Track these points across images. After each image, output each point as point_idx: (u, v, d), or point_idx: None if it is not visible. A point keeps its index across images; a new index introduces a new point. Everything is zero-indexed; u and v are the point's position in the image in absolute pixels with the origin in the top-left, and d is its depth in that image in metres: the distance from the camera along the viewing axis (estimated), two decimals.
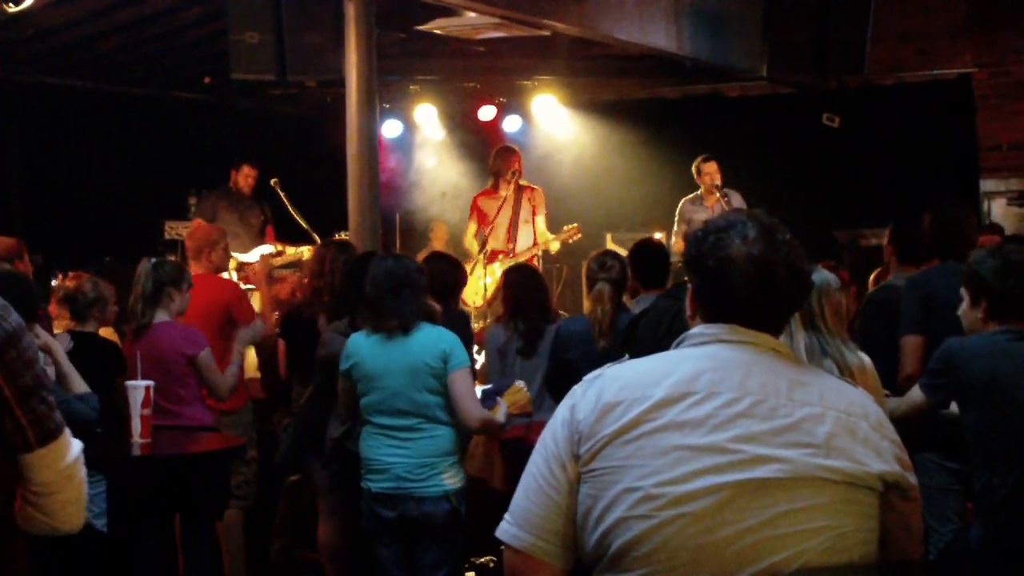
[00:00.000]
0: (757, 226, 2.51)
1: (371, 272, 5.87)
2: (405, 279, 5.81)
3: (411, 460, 5.71)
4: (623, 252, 7.41)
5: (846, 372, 4.16)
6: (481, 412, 5.77)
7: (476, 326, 9.24)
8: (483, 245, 10.93)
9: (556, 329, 7.18)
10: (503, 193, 11.04)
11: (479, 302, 10.59)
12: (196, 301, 7.07)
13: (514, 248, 11.01)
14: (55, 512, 2.77)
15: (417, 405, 5.71)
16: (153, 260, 6.62)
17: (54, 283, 7.64)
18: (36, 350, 2.75)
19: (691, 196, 11.50)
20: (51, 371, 5.75)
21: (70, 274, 7.02)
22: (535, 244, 11.06)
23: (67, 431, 2.78)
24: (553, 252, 11.15)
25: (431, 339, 5.73)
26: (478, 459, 7.09)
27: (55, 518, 2.78)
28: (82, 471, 2.83)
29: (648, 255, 7.17)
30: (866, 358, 4.49)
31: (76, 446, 2.81)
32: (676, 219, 11.51)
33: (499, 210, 10.96)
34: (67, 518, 2.80)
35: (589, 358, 6.62)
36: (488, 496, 6.51)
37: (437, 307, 6.06)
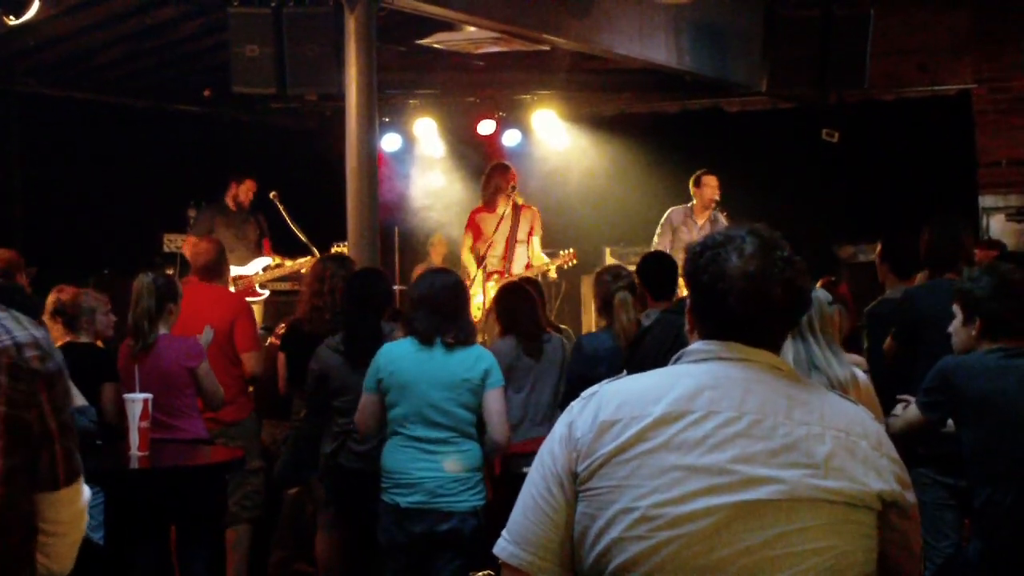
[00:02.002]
0: (755, 241, 2.48)
1: (426, 284, 5.89)
2: (461, 295, 5.90)
3: (444, 474, 5.67)
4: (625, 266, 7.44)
5: (836, 386, 4.13)
6: (507, 437, 5.80)
7: None
8: (480, 261, 10.90)
9: (577, 346, 7.17)
10: (500, 211, 11.00)
11: (476, 317, 10.60)
12: (205, 314, 7.09)
13: (510, 268, 10.97)
14: (58, 555, 2.71)
15: (453, 419, 5.69)
16: (151, 275, 6.60)
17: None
18: (71, 387, 2.72)
19: (681, 207, 11.37)
20: None
21: (55, 288, 6.94)
22: (528, 266, 11.00)
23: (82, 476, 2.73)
24: (552, 278, 11.05)
25: (473, 356, 5.75)
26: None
27: (56, 560, 2.72)
28: (87, 517, 2.79)
29: (658, 267, 7.17)
30: (859, 373, 4.47)
31: (87, 491, 2.76)
32: (660, 224, 11.36)
33: (496, 228, 10.93)
34: (64, 561, 2.74)
35: (619, 371, 6.62)
36: (485, 512, 6.49)
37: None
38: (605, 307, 7.08)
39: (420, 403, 5.69)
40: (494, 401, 5.72)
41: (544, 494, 2.50)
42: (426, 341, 5.74)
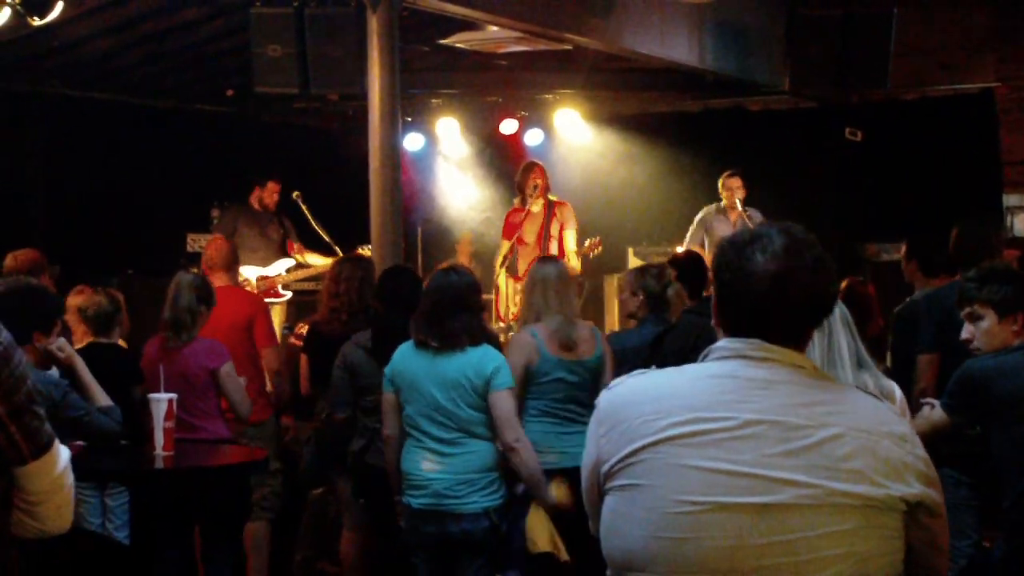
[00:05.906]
0: (783, 241, 2.46)
1: (431, 286, 5.84)
2: (454, 297, 5.74)
3: (450, 476, 5.63)
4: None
5: (879, 393, 4.02)
6: (516, 438, 5.62)
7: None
8: (505, 259, 10.89)
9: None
10: (530, 208, 10.97)
11: (514, 310, 10.64)
12: (223, 313, 7.10)
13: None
14: (47, 517, 2.86)
15: (458, 420, 5.63)
16: (191, 274, 6.61)
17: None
18: (26, 365, 2.80)
19: (716, 205, 11.37)
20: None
21: (73, 290, 6.91)
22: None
23: (57, 441, 2.86)
24: (578, 270, 10.99)
25: (477, 357, 5.65)
26: None
27: (46, 522, 2.87)
28: (70, 477, 2.91)
29: (693, 264, 7.20)
30: (895, 385, 4.39)
31: (65, 454, 2.89)
32: (695, 224, 11.39)
33: (523, 222, 10.91)
34: (57, 522, 2.89)
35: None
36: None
37: (494, 329, 6.02)
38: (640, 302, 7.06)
39: (425, 403, 5.66)
40: (498, 402, 5.60)
41: (588, 492, 2.59)
42: (418, 345, 5.74)
